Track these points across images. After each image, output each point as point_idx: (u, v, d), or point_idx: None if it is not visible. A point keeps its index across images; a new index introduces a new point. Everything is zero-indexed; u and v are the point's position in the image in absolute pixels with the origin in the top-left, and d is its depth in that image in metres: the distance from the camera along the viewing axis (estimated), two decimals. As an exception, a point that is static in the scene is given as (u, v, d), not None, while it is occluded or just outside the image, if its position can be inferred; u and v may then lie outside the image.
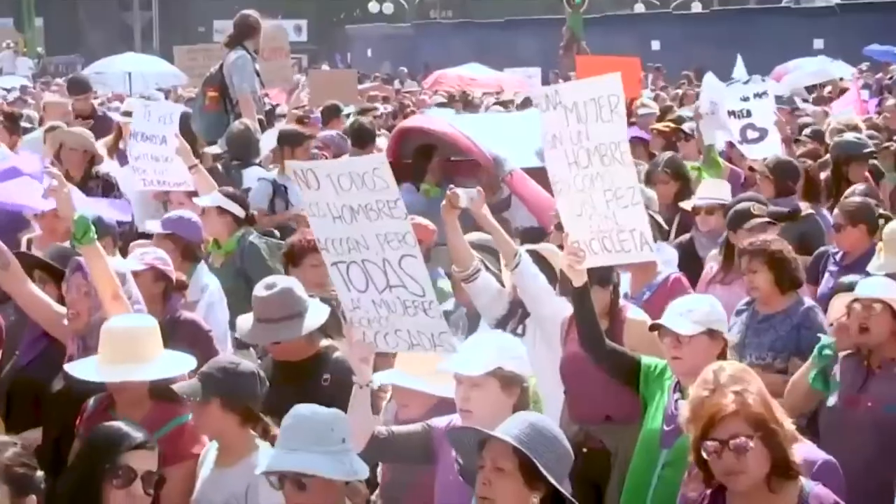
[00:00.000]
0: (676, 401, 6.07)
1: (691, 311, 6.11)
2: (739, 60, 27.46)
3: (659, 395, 6.29)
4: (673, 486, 5.61)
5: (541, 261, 7.43)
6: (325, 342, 6.64)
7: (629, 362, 6.52)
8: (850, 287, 7.01)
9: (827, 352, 6.70)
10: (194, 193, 10.20)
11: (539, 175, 10.85)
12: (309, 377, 6.43)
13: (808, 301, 7.67)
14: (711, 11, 51.93)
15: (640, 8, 57.94)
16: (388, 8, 61.57)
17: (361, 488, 5.60)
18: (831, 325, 6.99)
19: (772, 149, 12.39)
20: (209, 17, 54.79)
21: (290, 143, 11.68)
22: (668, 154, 11.66)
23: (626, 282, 8.16)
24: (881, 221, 9.02)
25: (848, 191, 10.40)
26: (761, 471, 4.48)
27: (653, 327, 6.31)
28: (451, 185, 7.31)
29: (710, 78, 13.63)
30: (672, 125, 14.70)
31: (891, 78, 26.86)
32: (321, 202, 5.47)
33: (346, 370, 5.91)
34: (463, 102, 23.06)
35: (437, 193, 11.21)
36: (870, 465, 6.02)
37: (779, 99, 19.79)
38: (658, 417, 6.20)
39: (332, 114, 16.30)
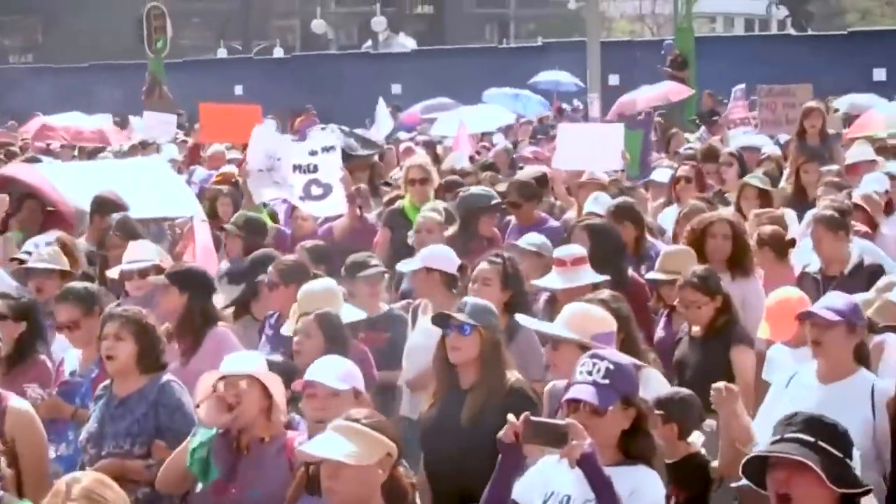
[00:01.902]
0: None
1: None
2: (381, 103, 28.01)
3: None
4: None
5: None
6: None
7: None
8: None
9: (198, 438, 6.23)
10: None
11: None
12: None
13: (168, 376, 6.94)
14: (293, 57, 52.82)
15: (222, 53, 58.28)
16: (-38, 52, 59.65)
17: None
18: (198, 406, 6.38)
19: (335, 206, 11.92)
20: None
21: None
22: (120, 215, 10.65)
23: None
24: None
25: (298, 246, 10.27)
26: None
27: None
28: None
29: (263, 130, 12.68)
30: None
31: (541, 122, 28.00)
32: None
33: None
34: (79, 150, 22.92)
35: (18, 238, 11.18)
36: None
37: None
38: None
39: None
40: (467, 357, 6.73)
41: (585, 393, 5.27)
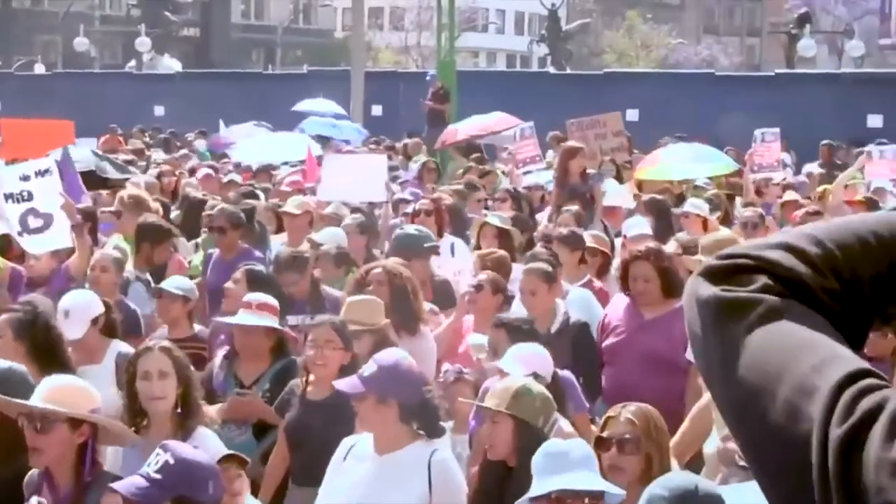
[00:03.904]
0: None
1: None
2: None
3: None
4: None
5: None
6: None
7: None
8: None
9: None
10: None
11: None
12: None
13: None
14: (54, 74, 51.90)
15: (-20, 66, 56.95)
16: None
17: None
18: None
19: (59, 239, 10.51)
20: None
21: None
22: None
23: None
24: None
25: None
26: None
27: None
28: None
29: None
30: None
31: None
32: None
33: None
34: None
35: None
36: None
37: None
38: None
39: None
40: None
41: (126, 486, 4.80)
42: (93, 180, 14.99)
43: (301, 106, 31.88)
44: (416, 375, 6.18)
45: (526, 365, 6.79)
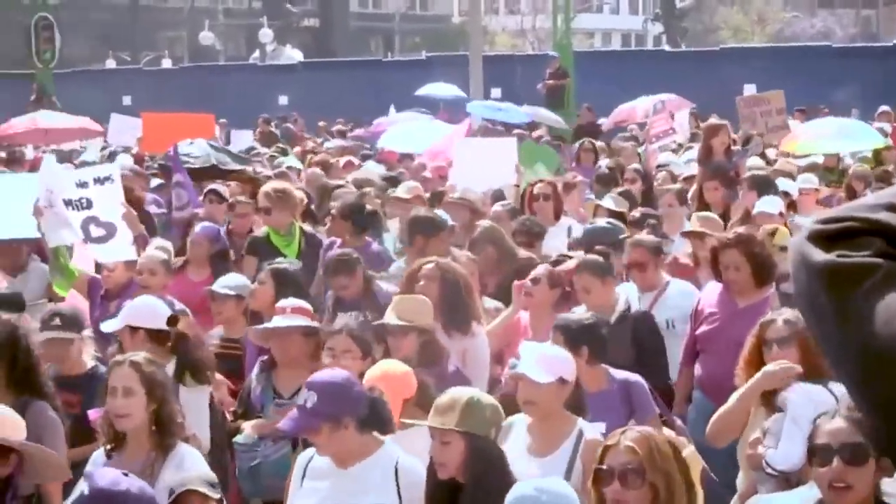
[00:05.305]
0: None
1: None
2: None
3: None
4: None
5: None
6: None
7: None
8: None
9: None
10: None
11: None
12: None
13: None
14: (181, 68, 53.11)
15: (111, 64, 58.32)
16: None
17: None
18: None
19: (121, 251, 10.09)
20: None
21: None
22: None
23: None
24: None
25: None
26: None
27: None
28: None
29: (47, 159, 11.17)
30: None
31: None
32: None
33: None
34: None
35: None
36: None
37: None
38: None
39: None
40: None
41: None
42: (214, 174, 14.94)
43: (424, 90, 32.41)
44: (355, 383, 5.89)
45: (549, 369, 6.19)
